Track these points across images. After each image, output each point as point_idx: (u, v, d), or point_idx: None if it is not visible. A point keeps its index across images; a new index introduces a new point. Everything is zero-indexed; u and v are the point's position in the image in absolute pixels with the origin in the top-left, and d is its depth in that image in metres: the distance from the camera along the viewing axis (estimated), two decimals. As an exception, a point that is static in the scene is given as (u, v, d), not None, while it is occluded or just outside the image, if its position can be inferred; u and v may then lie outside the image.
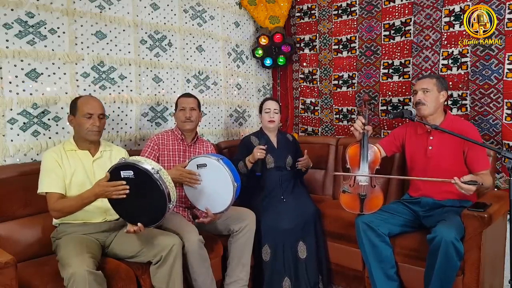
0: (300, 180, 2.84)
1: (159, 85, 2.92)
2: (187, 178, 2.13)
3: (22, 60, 2.21)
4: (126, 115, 2.73)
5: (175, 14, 3.01)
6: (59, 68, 2.36)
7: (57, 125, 2.36)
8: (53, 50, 2.33)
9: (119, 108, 2.67)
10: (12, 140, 2.19)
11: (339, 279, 2.62)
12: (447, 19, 2.77)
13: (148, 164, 1.75)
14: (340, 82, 3.42)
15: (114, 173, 1.76)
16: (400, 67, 3.05)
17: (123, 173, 1.75)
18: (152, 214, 1.81)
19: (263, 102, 2.84)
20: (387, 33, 3.10)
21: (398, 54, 3.05)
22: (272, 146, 2.76)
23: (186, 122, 2.42)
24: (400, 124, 2.90)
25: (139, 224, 1.82)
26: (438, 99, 2.23)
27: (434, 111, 2.23)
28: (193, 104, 2.48)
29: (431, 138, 2.27)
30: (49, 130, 2.33)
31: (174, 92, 3.00)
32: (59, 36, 2.35)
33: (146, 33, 2.82)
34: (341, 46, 3.39)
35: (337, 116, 3.48)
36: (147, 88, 2.85)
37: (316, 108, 3.64)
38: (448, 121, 2.24)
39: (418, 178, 2.29)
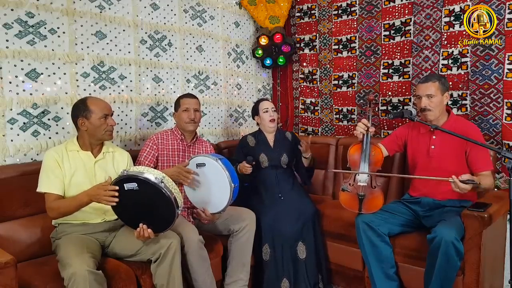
0: (305, 181, 2.84)
1: (159, 85, 2.92)
2: (182, 176, 2.13)
3: (22, 60, 2.21)
4: (126, 115, 2.73)
5: (175, 14, 3.01)
6: (59, 68, 2.36)
7: (57, 125, 2.35)
8: (53, 50, 2.33)
9: (119, 108, 2.67)
10: (12, 140, 2.18)
11: (339, 279, 2.62)
12: (447, 19, 2.77)
13: (150, 174, 1.74)
14: (340, 82, 3.42)
15: (117, 185, 1.74)
16: (400, 67, 3.04)
17: (127, 186, 1.74)
18: (162, 222, 1.82)
19: (257, 104, 2.83)
20: (387, 33, 3.10)
21: (398, 54, 3.05)
22: (268, 145, 2.77)
23: (190, 123, 2.43)
24: (400, 124, 2.90)
25: (149, 230, 1.82)
26: (443, 102, 2.22)
27: (440, 114, 2.22)
28: (197, 105, 2.49)
29: (434, 137, 2.27)
30: (49, 130, 2.32)
31: (174, 92, 3.00)
32: (59, 36, 2.35)
33: (146, 33, 2.82)
34: (341, 46, 3.39)
35: (337, 116, 3.48)
36: (147, 88, 2.84)
37: (316, 108, 3.63)
38: (451, 121, 2.24)
39: (416, 176, 2.30)
